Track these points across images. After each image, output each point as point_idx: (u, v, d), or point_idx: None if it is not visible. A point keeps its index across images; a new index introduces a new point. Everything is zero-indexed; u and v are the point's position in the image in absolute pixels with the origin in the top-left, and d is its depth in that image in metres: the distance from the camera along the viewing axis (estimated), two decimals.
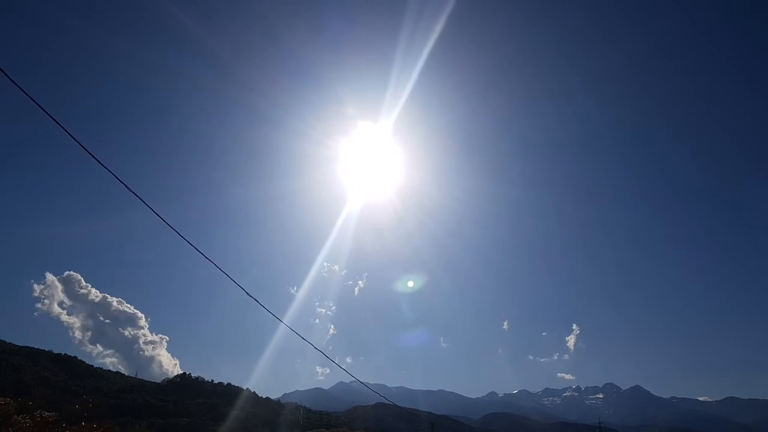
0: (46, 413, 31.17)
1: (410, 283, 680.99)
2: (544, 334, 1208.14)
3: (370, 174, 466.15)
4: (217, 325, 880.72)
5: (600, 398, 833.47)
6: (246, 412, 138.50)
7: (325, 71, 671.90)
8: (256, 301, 19.49)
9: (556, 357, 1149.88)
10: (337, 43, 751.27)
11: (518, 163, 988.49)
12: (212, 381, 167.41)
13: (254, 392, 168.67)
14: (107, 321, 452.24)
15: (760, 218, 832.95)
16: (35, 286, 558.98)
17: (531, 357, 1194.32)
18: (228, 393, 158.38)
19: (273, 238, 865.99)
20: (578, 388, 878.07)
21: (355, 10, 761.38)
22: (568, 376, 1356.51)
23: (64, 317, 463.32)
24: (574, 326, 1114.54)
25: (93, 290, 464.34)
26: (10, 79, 10.55)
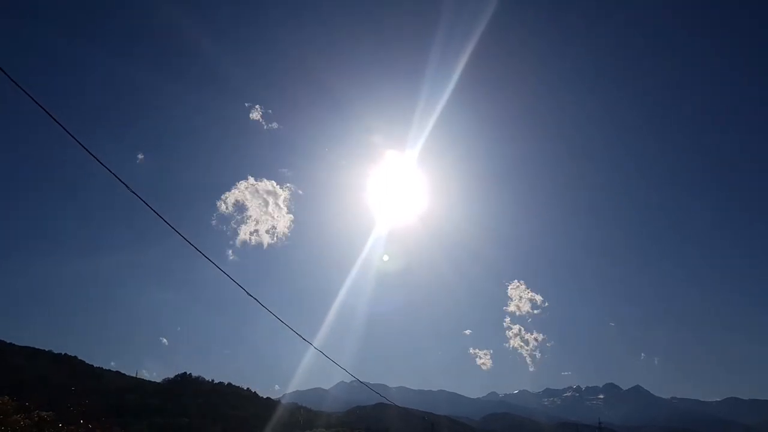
0: (45, 413, 31.00)
1: (385, 257, 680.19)
2: (545, 334, 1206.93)
3: (397, 201, 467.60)
4: (219, 325, 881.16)
5: (600, 398, 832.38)
6: (246, 412, 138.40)
7: (356, 102, 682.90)
8: (257, 301, 19.30)
9: (556, 357, 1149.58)
10: (366, 74, 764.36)
11: (539, 189, 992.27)
12: (212, 381, 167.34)
13: (255, 392, 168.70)
14: None
15: (761, 217, 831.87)
16: None
17: (531, 357, 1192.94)
18: (228, 393, 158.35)
19: (302, 263, 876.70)
20: (579, 389, 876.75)
21: (383, 47, 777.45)
22: (568, 376, 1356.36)
23: None
24: (575, 327, 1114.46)
25: None
26: (11, 79, 10.34)
